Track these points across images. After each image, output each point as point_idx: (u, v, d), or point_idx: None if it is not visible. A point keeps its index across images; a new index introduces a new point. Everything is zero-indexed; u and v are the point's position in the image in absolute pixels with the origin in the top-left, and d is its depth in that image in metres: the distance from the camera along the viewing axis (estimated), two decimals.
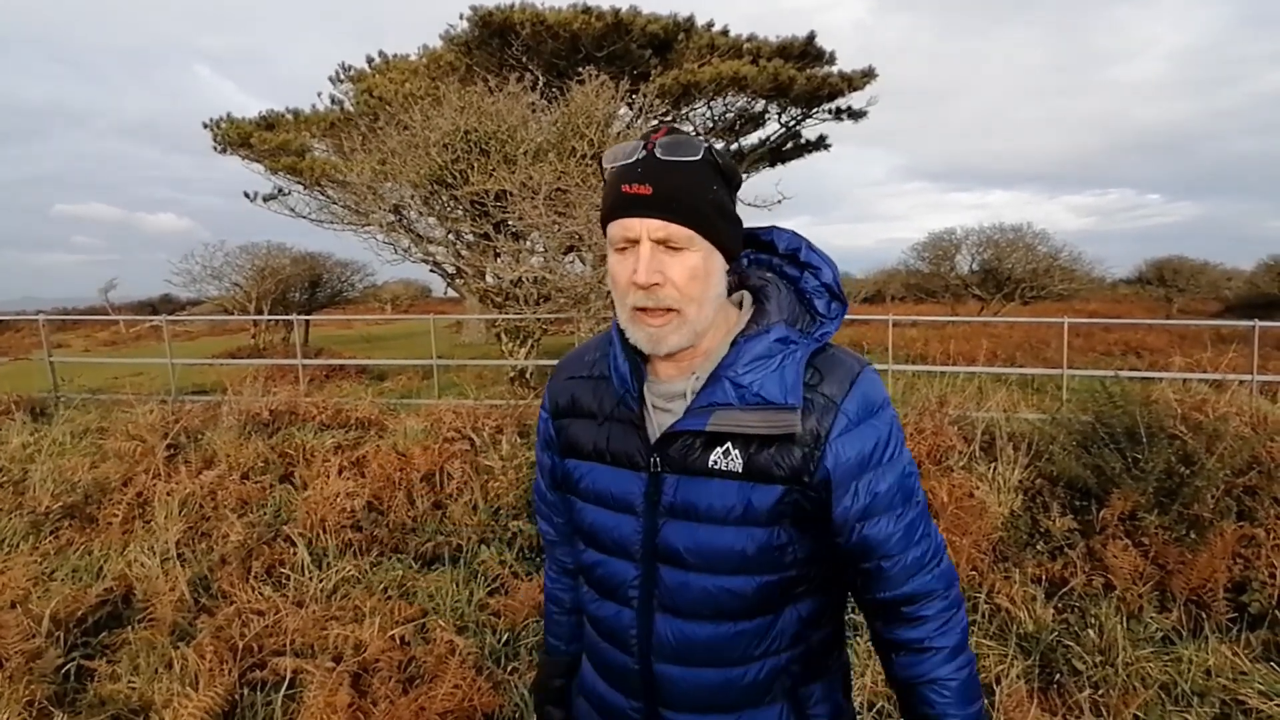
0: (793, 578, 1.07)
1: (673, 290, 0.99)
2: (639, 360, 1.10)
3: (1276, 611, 3.23)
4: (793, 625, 1.09)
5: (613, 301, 1.09)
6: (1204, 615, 3.31)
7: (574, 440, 1.18)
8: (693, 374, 1.08)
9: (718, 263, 1.04)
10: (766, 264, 1.16)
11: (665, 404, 1.09)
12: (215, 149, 18.16)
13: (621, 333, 1.09)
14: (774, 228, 1.15)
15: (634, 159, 1.01)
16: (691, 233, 0.99)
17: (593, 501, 1.14)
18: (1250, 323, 8.21)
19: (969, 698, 1.05)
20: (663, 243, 0.99)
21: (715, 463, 1.03)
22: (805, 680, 1.12)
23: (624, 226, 1.00)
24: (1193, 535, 3.58)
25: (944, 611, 1.07)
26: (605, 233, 1.06)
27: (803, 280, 1.12)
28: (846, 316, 1.12)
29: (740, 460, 1.03)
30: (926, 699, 1.05)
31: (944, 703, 1.04)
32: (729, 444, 1.03)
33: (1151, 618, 3.28)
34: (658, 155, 1.00)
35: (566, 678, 1.35)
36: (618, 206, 1.01)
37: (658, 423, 1.08)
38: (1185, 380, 5.47)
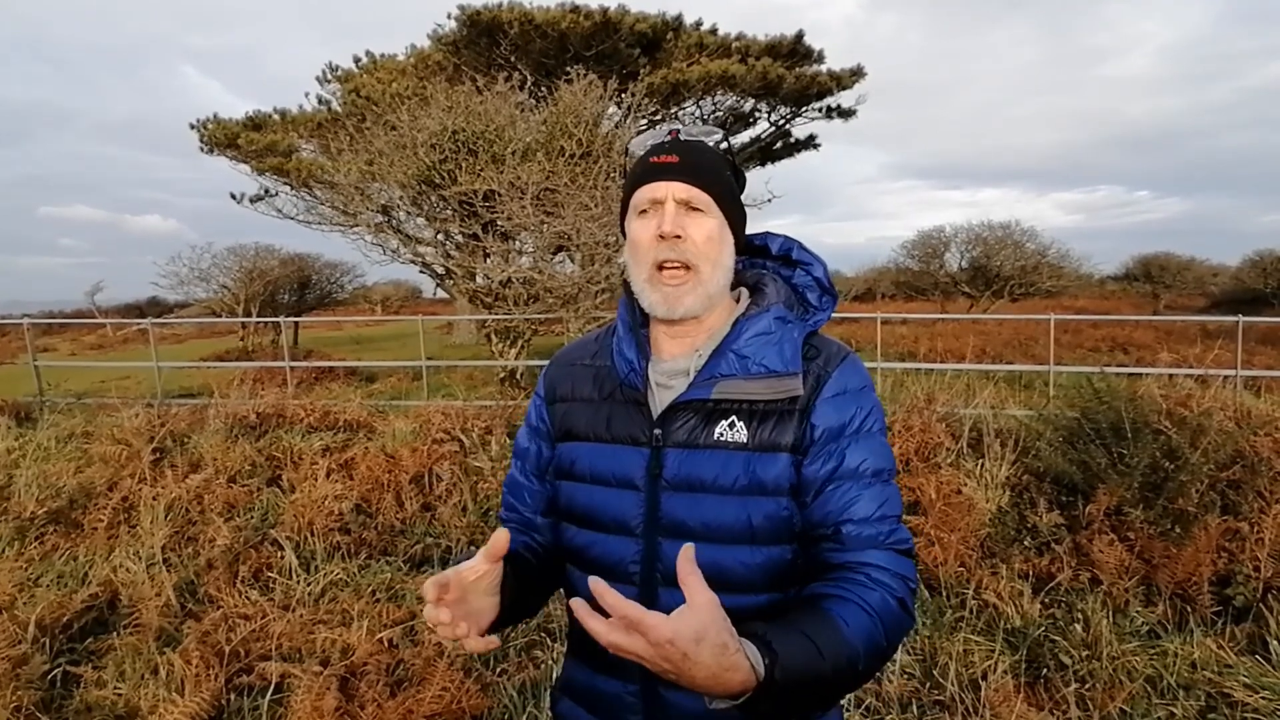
0: (800, 553, 1.08)
1: (692, 246, 1.09)
2: (644, 340, 1.16)
3: (1260, 605, 3.25)
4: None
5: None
6: (1189, 609, 3.34)
7: (570, 424, 1.19)
8: (696, 352, 1.13)
9: (729, 236, 1.14)
10: (761, 266, 1.24)
11: (668, 381, 1.13)
12: (202, 150, 18.06)
13: (626, 317, 1.17)
14: (767, 233, 1.25)
15: (661, 140, 1.15)
16: (710, 199, 1.11)
17: (589, 481, 1.15)
18: (1235, 318, 8.27)
19: (867, 630, 0.94)
20: (685, 204, 1.10)
21: (721, 435, 1.07)
22: None
23: (651, 189, 1.11)
24: (1177, 529, 3.61)
25: (890, 595, 0.98)
26: (627, 207, 1.17)
27: (795, 276, 1.22)
28: (836, 315, 1.17)
29: (745, 432, 1.07)
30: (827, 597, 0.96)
31: (843, 604, 0.95)
32: (734, 417, 1.07)
33: (1137, 612, 3.30)
34: (681, 137, 1.15)
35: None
36: (645, 174, 1.13)
37: (660, 399, 1.12)
38: (1170, 375, 5.51)
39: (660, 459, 1.09)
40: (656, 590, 1.08)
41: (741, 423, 1.07)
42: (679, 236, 1.09)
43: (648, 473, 1.09)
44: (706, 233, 1.10)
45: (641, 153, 1.18)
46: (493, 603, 1.02)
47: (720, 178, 1.14)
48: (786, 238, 1.24)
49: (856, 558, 1.02)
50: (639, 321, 1.18)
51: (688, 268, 1.10)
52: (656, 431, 1.10)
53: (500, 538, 0.95)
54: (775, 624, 0.89)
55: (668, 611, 1.04)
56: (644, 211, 1.13)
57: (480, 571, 0.97)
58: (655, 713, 1.10)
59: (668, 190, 1.10)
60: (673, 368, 1.14)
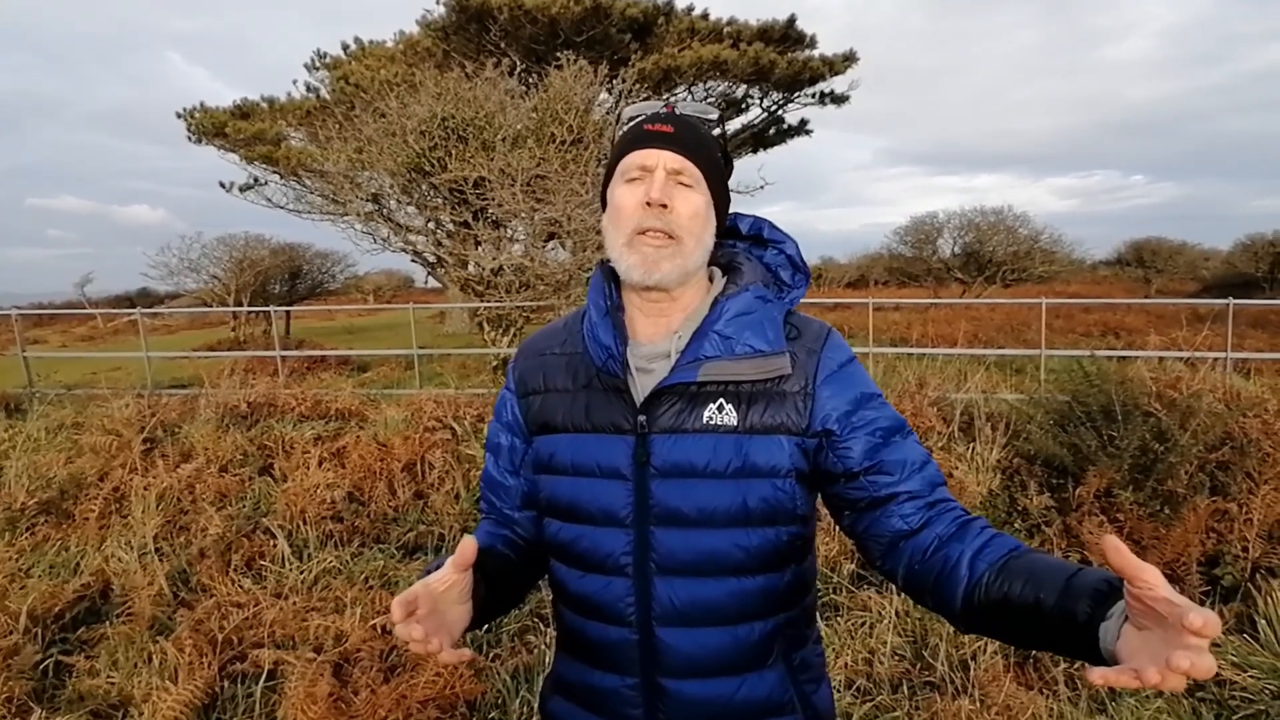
0: (795, 533, 1.08)
1: (677, 219, 1.07)
2: (620, 324, 1.12)
3: (1249, 584, 3.28)
4: (791, 585, 1.09)
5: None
6: (1178, 589, 3.35)
7: (546, 416, 1.15)
8: (675, 333, 1.10)
9: (713, 216, 1.12)
10: (731, 246, 1.22)
11: (648, 365, 1.09)
12: (189, 139, 17.88)
13: (599, 301, 1.13)
14: (736, 214, 1.23)
15: (657, 110, 1.14)
16: (700, 174, 1.10)
17: (571, 473, 1.11)
18: (1225, 301, 8.31)
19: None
20: (675, 175, 1.08)
21: (710, 419, 1.05)
22: (796, 645, 1.12)
23: (642, 155, 1.09)
24: (1166, 511, 3.63)
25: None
26: (614, 171, 1.14)
27: (767, 255, 1.20)
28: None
29: (735, 415, 1.05)
30: (1045, 561, 0.92)
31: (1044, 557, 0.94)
32: (721, 400, 1.05)
33: None
34: (678, 111, 1.14)
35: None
36: (637, 140, 1.10)
37: (641, 385, 1.08)
38: (1161, 359, 5.54)
39: (647, 446, 1.06)
40: (651, 580, 1.06)
41: (730, 405, 1.05)
42: (665, 205, 1.06)
43: (634, 461, 1.06)
44: (693, 208, 1.08)
45: (633, 118, 1.15)
46: (464, 609, 1.00)
47: (712, 156, 1.12)
48: (756, 217, 1.22)
49: (938, 496, 1.05)
50: (615, 304, 1.15)
51: (670, 236, 1.07)
52: (641, 418, 1.06)
53: (467, 546, 0.93)
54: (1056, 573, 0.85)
55: (666, 598, 1.05)
56: (632, 178, 1.10)
57: (449, 581, 0.94)
58: (656, 705, 1.08)
59: (659, 159, 1.08)
60: (652, 351, 1.11)
